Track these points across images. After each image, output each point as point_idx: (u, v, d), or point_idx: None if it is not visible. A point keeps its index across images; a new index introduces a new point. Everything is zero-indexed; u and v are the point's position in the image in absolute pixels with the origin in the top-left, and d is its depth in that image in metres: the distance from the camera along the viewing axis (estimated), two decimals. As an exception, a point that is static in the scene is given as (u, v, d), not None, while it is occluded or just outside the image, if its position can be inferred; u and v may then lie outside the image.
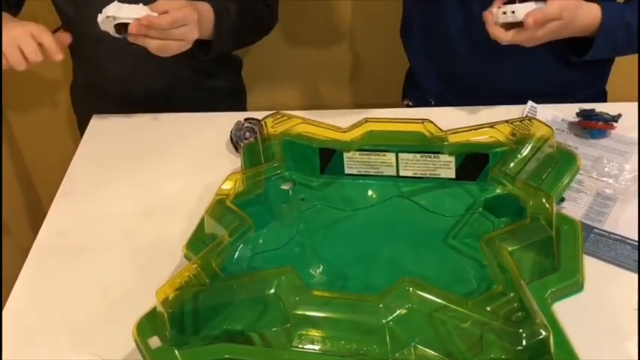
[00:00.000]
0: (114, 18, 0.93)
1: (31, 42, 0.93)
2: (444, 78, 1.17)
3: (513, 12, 0.91)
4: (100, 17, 0.93)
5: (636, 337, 0.71)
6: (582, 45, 1.01)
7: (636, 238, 0.82)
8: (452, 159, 0.85)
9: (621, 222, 0.84)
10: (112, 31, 0.94)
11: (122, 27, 0.93)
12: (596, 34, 0.98)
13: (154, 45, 0.95)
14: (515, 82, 1.10)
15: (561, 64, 1.08)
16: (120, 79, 1.15)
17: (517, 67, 1.09)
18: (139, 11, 0.92)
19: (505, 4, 0.93)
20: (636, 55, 1.05)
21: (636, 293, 0.75)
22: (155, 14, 0.92)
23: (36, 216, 1.78)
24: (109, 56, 1.04)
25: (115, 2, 0.93)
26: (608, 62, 1.14)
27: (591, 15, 0.97)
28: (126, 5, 0.92)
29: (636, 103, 1.01)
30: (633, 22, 0.98)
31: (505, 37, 0.93)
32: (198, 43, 1.03)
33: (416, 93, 1.23)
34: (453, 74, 1.15)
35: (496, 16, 0.93)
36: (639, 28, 0.98)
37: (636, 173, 0.91)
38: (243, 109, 1.34)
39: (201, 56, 1.08)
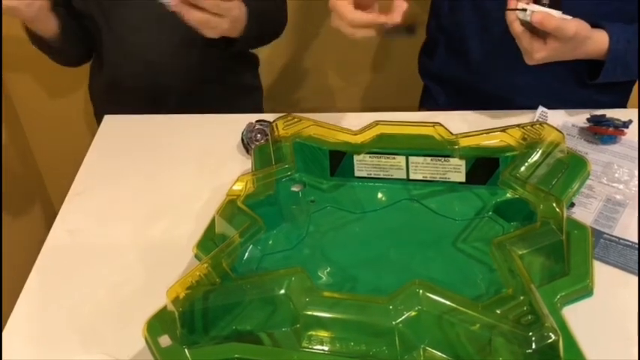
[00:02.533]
0: None
1: None
2: (459, 94, 1.17)
3: (525, 10, 0.87)
4: None
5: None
6: (597, 68, 1.00)
7: (646, 244, 0.82)
8: (462, 162, 0.85)
9: (631, 228, 0.84)
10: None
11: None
12: (605, 59, 0.97)
13: (196, 18, 0.91)
14: (528, 99, 1.08)
15: (577, 84, 1.07)
16: (140, 73, 1.16)
17: (531, 83, 1.09)
18: None
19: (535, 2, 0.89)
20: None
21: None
22: None
23: (48, 215, 1.80)
24: (131, 51, 1.05)
25: None
26: (627, 84, 1.12)
27: (598, 46, 0.95)
28: None
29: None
30: None
31: (516, 29, 0.90)
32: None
33: (432, 106, 1.23)
34: (469, 90, 1.15)
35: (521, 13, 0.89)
36: (639, 50, 0.97)
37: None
38: (260, 106, 1.35)
39: (224, 47, 1.09)
